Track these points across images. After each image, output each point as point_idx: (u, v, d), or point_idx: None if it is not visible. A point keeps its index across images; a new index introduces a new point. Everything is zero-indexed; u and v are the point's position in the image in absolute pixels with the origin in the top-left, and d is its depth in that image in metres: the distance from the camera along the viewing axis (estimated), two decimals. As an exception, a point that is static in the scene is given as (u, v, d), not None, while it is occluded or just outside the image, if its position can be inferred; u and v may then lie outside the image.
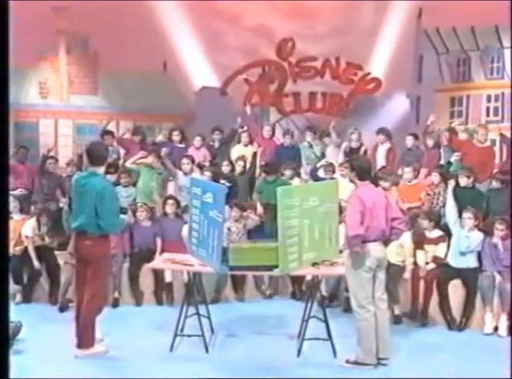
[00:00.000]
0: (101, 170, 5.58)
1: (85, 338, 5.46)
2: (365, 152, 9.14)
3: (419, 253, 6.87)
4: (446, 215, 7.09)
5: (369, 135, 9.81)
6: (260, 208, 8.18)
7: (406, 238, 6.69)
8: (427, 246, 6.91)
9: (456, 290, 6.70)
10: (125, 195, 8.23)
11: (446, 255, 6.86)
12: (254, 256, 5.49)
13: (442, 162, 8.71)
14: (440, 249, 6.87)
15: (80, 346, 5.45)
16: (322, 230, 5.67)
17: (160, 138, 9.78)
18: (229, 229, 7.59)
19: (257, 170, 9.10)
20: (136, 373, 5.21)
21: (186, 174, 8.44)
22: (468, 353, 5.88)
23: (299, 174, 8.83)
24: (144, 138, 9.59)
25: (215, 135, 9.64)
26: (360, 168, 5.39)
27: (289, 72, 12.02)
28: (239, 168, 8.84)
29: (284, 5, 15.18)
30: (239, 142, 9.68)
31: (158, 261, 6.47)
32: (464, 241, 6.70)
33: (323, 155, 9.30)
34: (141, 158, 8.49)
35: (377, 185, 6.56)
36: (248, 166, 9.04)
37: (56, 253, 7.46)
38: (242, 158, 9.00)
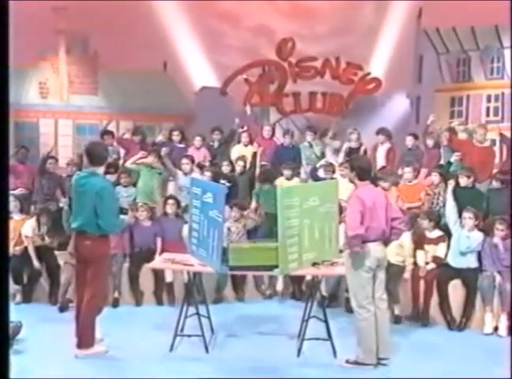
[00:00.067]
0: (101, 170, 5.58)
1: (85, 338, 5.46)
2: (365, 152, 9.14)
3: (419, 253, 6.87)
4: (446, 215, 7.09)
5: (369, 135, 9.82)
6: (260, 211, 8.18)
7: (406, 238, 6.70)
8: (427, 246, 6.91)
9: (456, 290, 6.69)
10: (125, 195, 8.23)
11: (446, 255, 6.86)
12: (254, 256, 5.49)
13: (442, 162, 8.71)
14: (440, 249, 6.87)
15: (80, 346, 5.45)
16: (322, 230, 5.67)
17: (159, 138, 9.78)
18: (229, 229, 7.59)
19: (257, 170, 9.10)
20: (136, 373, 5.21)
21: (186, 174, 8.44)
22: (468, 353, 5.87)
23: (298, 174, 8.82)
24: (144, 138, 9.59)
25: (215, 135, 9.63)
26: (360, 168, 5.38)
27: (289, 72, 12.01)
28: (238, 168, 8.84)
29: (284, 5, 15.20)
30: (238, 142, 9.67)
31: (158, 261, 6.47)
32: (465, 241, 6.70)
33: (323, 155, 9.29)
34: (141, 158, 8.49)
35: (376, 185, 6.56)
36: (248, 166, 9.04)
37: (56, 253, 7.46)
38: (242, 158, 9.00)
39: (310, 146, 9.53)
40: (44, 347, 5.64)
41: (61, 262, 7.32)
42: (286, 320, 6.68)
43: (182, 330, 5.81)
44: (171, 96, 15.27)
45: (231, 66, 12.64)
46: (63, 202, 7.77)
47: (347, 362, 5.39)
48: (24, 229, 7.41)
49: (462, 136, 9.02)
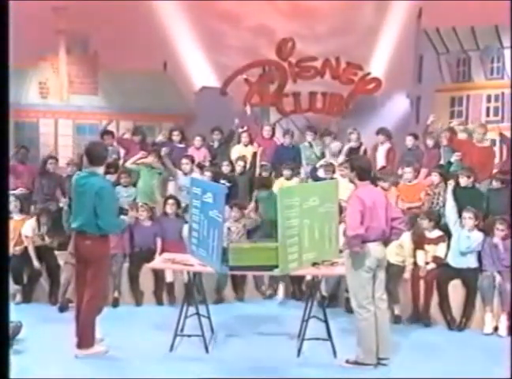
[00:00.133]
0: (101, 170, 5.59)
1: (85, 338, 5.46)
2: (364, 152, 9.14)
3: (419, 253, 6.87)
4: (446, 215, 7.09)
5: (369, 135, 9.82)
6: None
7: (406, 238, 6.70)
8: (427, 246, 6.91)
9: (456, 290, 6.69)
10: (125, 195, 8.24)
11: (446, 255, 6.86)
12: (254, 256, 5.49)
13: (442, 162, 8.70)
14: (440, 249, 6.87)
15: (80, 346, 5.45)
16: (322, 230, 5.67)
17: (159, 138, 9.78)
18: (229, 229, 7.59)
19: (257, 170, 9.10)
20: (136, 373, 5.21)
21: (186, 174, 8.44)
22: (468, 353, 5.88)
23: (298, 174, 8.82)
24: (144, 138, 9.59)
25: (214, 135, 9.63)
26: (360, 168, 5.38)
27: (289, 72, 12.02)
28: (238, 168, 8.84)
29: (284, 5, 15.19)
30: (238, 142, 9.68)
31: (158, 261, 6.47)
32: (465, 241, 6.70)
33: (323, 155, 9.29)
34: (141, 158, 8.49)
35: (376, 185, 6.56)
36: (248, 166, 9.04)
37: (56, 253, 7.47)
38: (243, 158, 9.00)
39: (310, 146, 9.53)
40: (44, 347, 5.64)
41: (61, 262, 7.32)
42: (286, 320, 6.68)
43: (182, 330, 5.81)
44: (171, 96, 15.26)
45: (231, 66, 12.65)
46: (63, 202, 7.78)
47: (347, 362, 5.39)
48: (24, 229, 7.41)
49: (462, 136, 9.03)
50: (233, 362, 5.48)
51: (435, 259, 6.84)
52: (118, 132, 11.73)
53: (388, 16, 14.86)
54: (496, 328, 6.40)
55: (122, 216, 6.26)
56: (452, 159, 8.41)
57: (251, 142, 9.54)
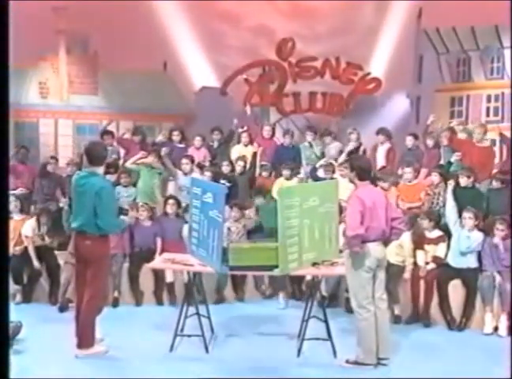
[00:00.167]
0: (100, 170, 5.58)
1: (85, 338, 5.46)
2: (364, 152, 9.14)
3: (419, 253, 6.87)
4: (446, 215, 7.09)
5: (369, 135, 9.82)
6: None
7: (406, 238, 6.70)
8: (426, 246, 6.91)
9: (456, 290, 6.69)
10: (125, 195, 8.24)
11: (445, 255, 6.86)
12: (254, 256, 5.49)
13: (442, 162, 8.71)
14: (440, 249, 6.87)
15: (80, 346, 5.45)
16: (322, 230, 5.67)
17: (159, 138, 9.78)
18: (229, 229, 7.59)
19: (258, 170, 9.10)
20: (136, 373, 5.21)
21: (186, 174, 8.44)
22: (468, 353, 5.88)
23: (297, 174, 8.81)
24: (144, 138, 9.59)
25: (214, 135, 9.63)
26: (360, 168, 5.38)
27: (289, 72, 12.02)
28: (238, 168, 8.84)
29: (284, 5, 15.20)
30: (238, 142, 9.68)
31: (158, 261, 6.47)
32: (465, 241, 6.70)
33: (323, 155, 9.29)
34: (141, 158, 8.49)
35: (376, 185, 6.56)
36: (248, 166, 9.03)
37: (56, 253, 7.47)
38: (243, 158, 9.00)
39: (310, 146, 9.53)
40: (44, 347, 5.64)
41: (61, 262, 7.32)
42: (286, 320, 6.68)
43: (182, 330, 5.81)
44: (171, 96, 15.27)
45: (231, 66, 12.65)
46: (63, 202, 7.78)
47: (347, 362, 5.39)
48: (24, 229, 7.41)
49: (461, 136, 9.03)
50: (233, 362, 5.48)
51: (435, 259, 6.84)
52: (118, 132, 11.74)
53: (388, 16, 14.87)
54: (496, 328, 6.39)
55: (122, 216, 6.27)
56: (452, 159, 8.41)
57: (251, 142, 9.54)
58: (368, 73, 12.23)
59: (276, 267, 5.36)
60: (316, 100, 12.25)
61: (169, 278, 7.36)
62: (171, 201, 7.85)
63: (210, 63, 14.98)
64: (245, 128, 9.67)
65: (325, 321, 5.68)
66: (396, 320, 6.61)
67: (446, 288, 6.67)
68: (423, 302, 6.69)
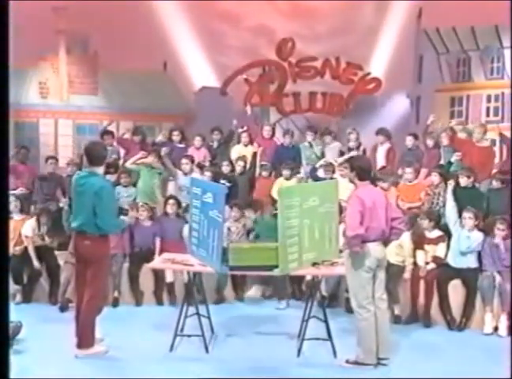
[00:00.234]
0: (100, 170, 5.58)
1: (85, 338, 5.46)
2: (363, 152, 9.14)
3: (419, 253, 6.87)
4: (446, 215, 7.08)
5: (369, 135, 9.82)
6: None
7: (406, 238, 6.70)
8: (426, 246, 6.91)
9: (456, 290, 6.69)
10: (125, 195, 8.24)
11: (445, 255, 6.85)
12: (254, 256, 5.49)
13: (442, 162, 8.71)
14: (440, 249, 6.87)
15: (80, 346, 5.45)
16: (322, 230, 5.67)
17: (159, 138, 9.78)
18: (229, 229, 7.59)
19: (258, 170, 9.10)
20: (136, 373, 5.21)
21: (186, 174, 8.44)
22: (468, 353, 5.87)
23: (296, 174, 8.81)
24: (144, 138, 9.58)
25: (214, 135, 9.63)
26: (360, 168, 5.38)
27: (289, 72, 12.00)
28: (239, 168, 8.84)
29: (284, 5, 15.22)
30: (238, 142, 9.67)
31: (158, 261, 6.47)
32: (465, 241, 6.70)
33: (323, 155, 9.29)
34: (141, 158, 8.49)
35: (376, 185, 6.56)
36: (248, 166, 9.03)
37: (56, 253, 7.47)
38: (243, 158, 9.00)
39: (310, 146, 9.53)
40: (44, 347, 5.64)
41: (61, 262, 7.32)
42: (286, 320, 6.68)
43: (182, 330, 5.81)
44: (171, 96, 15.28)
45: (231, 66, 12.64)
46: (63, 202, 7.78)
47: (347, 362, 5.39)
48: (24, 229, 7.41)
49: (461, 135, 9.03)
50: (233, 362, 5.48)
51: (435, 259, 6.84)
52: (118, 132, 11.73)
53: (388, 16, 14.88)
54: (496, 328, 6.39)
55: (122, 216, 6.26)
56: (452, 159, 8.41)
57: (251, 142, 9.53)
58: (368, 73, 12.22)
59: (276, 267, 5.36)
60: (316, 100, 12.23)
61: (169, 278, 7.36)
62: (171, 201, 7.85)
63: (210, 63, 15.00)
64: (245, 128, 9.67)
65: (325, 321, 5.67)
66: (396, 320, 6.61)
67: (446, 288, 6.67)
68: (423, 302, 6.69)
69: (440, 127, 9.58)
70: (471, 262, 6.70)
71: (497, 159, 9.23)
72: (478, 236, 6.71)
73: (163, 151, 8.69)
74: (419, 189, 7.97)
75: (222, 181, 8.05)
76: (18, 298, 7.23)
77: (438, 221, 7.13)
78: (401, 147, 9.22)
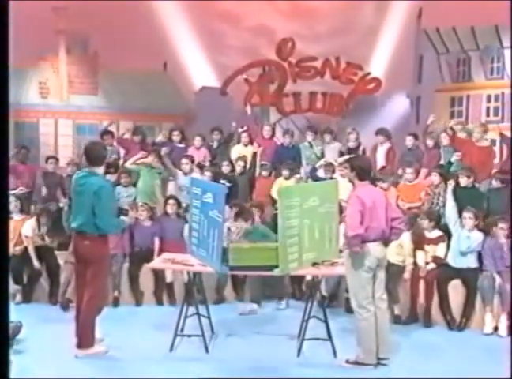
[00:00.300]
0: (100, 169, 5.58)
1: (85, 338, 5.46)
2: (363, 152, 9.14)
3: (419, 253, 6.87)
4: (446, 215, 7.08)
5: (369, 135, 9.83)
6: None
7: (406, 238, 6.69)
8: (426, 246, 6.91)
9: (456, 290, 6.69)
10: (125, 195, 8.24)
11: (445, 255, 6.85)
12: (254, 256, 5.49)
13: (442, 162, 8.71)
14: (440, 249, 6.87)
15: (80, 346, 5.45)
16: (322, 230, 5.67)
17: (159, 138, 9.78)
18: (229, 229, 7.58)
19: (258, 170, 9.10)
20: (136, 373, 5.21)
21: (186, 174, 8.44)
22: (468, 353, 5.87)
23: (295, 174, 8.80)
24: (144, 138, 9.59)
25: (214, 135, 9.63)
26: (360, 168, 5.38)
27: (289, 72, 12.00)
28: (239, 168, 8.84)
29: (284, 5, 15.23)
30: (238, 142, 9.67)
31: (158, 261, 6.47)
32: (465, 241, 6.69)
33: (323, 155, 9.29)
34: (141, 158, 8.48)
35: (375, 185, 6.56)
36: (248, 166, 9.03)
37: (56, 253, 7.47)
38: (243, 158, 9.00)
39: (310, 146, 9.53)
40: (44, 347, 5.64)
41: (61, 262, 7.32)
42: (286, 320, 6.67)
43: (182, 330, 5.81)
44: (171, 96, 15.29)
45: (231, 66, 12.65)
46: (63, 202, 7.78)
47: (347, 362, 5.39)
48: (24, 229, 7.41)
49: (461, 135, 9.03)
50: (233, 362, 5.48)
51: (435, 259, 6.84)
52: (118, 132, 11.74)
53: (388, 16, 14.89)
54: (496, 328, 6.39)
55: (122, 216, 6.26)
56: (452, 159, 8.42)
57: (251, 142, 9.53)
58: (368, 73, 12.22)
59: (276, 267, 5.36)
60: (316, 100, 12.23)
61: (169, 278, 7.36)
62: (171, 201, 7.85)
63: (210, 63, 15.01)
64: (245, 128, 9.67)
65: (325, 321, 5.67)
66: (396, 320, 6.61)
67: (446, 288, 6.66)
68: (424, 302, 6.69)
69: (440, 127, 9.59)
70: (471, 262, 6.69)
71: (497, 159, 9.23)
72: (478, 236, 6.71)
73: (163, 151, 8.69)
74: (419, 189, 7.97)
75: (222, 182, 8.05)
76: (18, 298, 7.22)
77: (438, 221, 7.13)
78: (401, 147, 9.23)
